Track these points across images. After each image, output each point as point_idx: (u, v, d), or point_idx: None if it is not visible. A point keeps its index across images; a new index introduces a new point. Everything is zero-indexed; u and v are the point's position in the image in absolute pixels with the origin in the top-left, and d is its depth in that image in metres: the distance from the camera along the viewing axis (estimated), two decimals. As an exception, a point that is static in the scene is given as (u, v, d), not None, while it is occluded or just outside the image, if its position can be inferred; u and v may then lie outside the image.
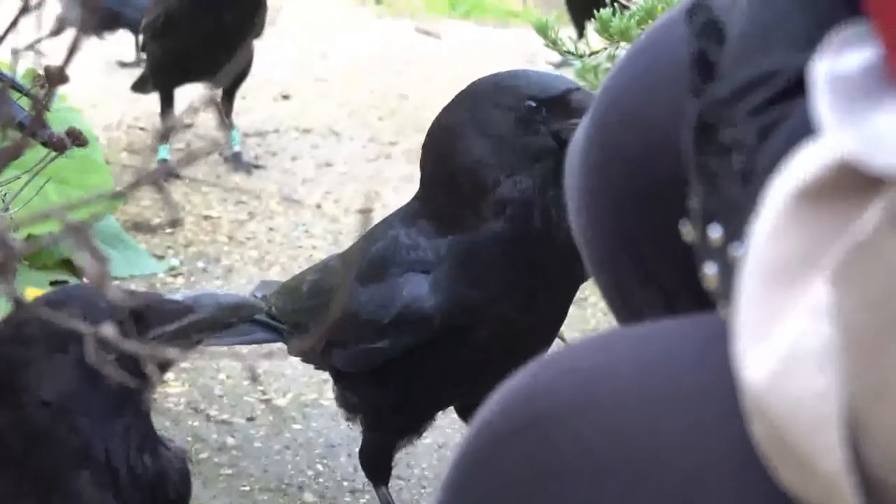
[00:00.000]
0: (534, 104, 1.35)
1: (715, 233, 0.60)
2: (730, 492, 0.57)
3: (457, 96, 1.43)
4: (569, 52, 3.71)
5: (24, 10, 0.86)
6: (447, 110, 1.43)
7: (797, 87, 0.57)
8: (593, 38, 3.55)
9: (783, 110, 0.58)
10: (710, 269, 0.61)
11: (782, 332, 0.49)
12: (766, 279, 0.50)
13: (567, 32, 3.84)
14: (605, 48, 3.26)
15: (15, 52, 0.88)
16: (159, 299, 1.08)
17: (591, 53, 3.60)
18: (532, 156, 1.36)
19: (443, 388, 1.48)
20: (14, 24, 0.88)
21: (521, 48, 4.38)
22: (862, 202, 0.47)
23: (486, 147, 1.36)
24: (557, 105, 1.35)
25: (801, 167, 0.50)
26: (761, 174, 0.55)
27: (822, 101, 0.51)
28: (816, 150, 0.50)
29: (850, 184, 0.48)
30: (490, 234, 1.37)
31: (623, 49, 2.15)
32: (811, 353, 0.48)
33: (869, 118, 0.49)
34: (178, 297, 1.08)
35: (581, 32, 3.86)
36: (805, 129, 0.53)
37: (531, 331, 1.42)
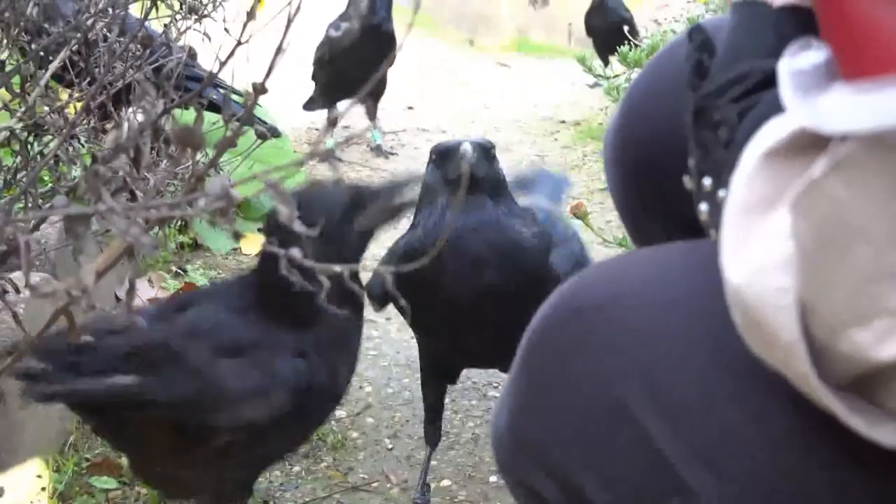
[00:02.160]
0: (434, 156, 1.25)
1: (707, 182, 0.59)
2: (711, 355, 0.56)
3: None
4: (599, 76, 3.66)
5: (239, 44, 0.87)
6: None
7: (765, 84, 0.57)
8: (616, 66, 3.48)
9: (755, 99, 0.58)
10: (703, 208, 0.60)
11: (755, 247, 0.48)
12: (743, 211, 0.49)
13: (598, 62, 3.78)
14: (625, 72, 3.19)
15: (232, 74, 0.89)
16: (368, 185, 1.04)
17: (615, 76, 3.54)
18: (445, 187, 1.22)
19: (449, 340, 1.30)
20: (232, 54, 0.89)
21: (566, 74, 4.34)
22: (814, 156, 0.46)
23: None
24: (448, 156, 1.23)
25: (769, 134, 0.49)
26: (740, 141, 0.54)
27: (785, 87, 0.50)
28: (781, 122, 0.48)
29: (805, 145, 0.47)
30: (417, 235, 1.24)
31: (636, 72, 2.11)
32: (776, 261, 0.47)
33: (819, 99, 0.47)
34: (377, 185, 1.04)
35: (606, 62, 3.81)
36: (770, 111, 0.51)
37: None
